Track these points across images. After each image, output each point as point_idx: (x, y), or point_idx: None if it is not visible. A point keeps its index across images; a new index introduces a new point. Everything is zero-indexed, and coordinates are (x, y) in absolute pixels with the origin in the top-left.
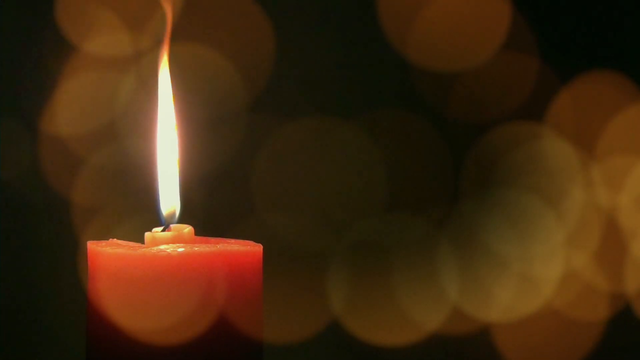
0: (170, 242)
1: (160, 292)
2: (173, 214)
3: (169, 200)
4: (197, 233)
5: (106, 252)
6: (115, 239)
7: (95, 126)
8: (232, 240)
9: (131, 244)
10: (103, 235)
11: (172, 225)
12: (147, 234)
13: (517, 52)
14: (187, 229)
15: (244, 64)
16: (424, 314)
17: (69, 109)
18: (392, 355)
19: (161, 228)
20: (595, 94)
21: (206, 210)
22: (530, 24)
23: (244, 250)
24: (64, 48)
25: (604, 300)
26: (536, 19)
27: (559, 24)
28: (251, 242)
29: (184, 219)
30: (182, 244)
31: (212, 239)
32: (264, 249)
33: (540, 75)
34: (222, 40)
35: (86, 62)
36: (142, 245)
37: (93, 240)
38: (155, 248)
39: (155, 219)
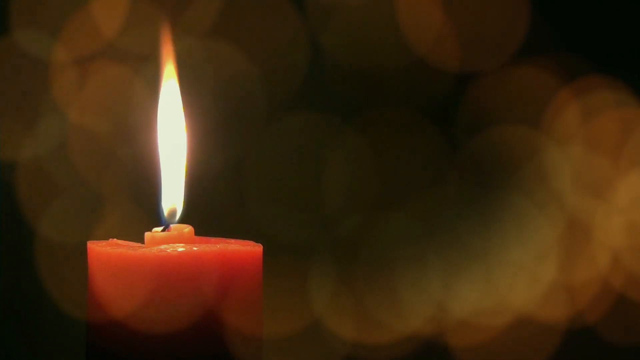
0: (170, 242)
1: (160, 292)
2: (174, 214)
3: (170, 199)
4: (197, 233)
5: (106, 252)
6: (115, 239)
7: (107, 124)
8: (232, 240)
9: (131, 244)
10: (103, 235)
11: (172, 225)
12: (147, 234)
13: (515, 57)
14: (187, 229)
15: (246, 64)
16: (411, 314)
17: (85, 106)
18: (375, 354)
19: (161, 228)
20: (598, 100)
21: (206, 210)
22: (537, 29)
23: (244, 250)
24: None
25: (593, 305)
26: (545, 24)
27: (566, 30)
28: (251, 242)
29: (184, 218)
30: (182, 244)
31: (212, 239)
32: (263, 248)
33: (544, 81)
34: (226, 38)
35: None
36: (142, 245)
37: (93, 240)
38: (155, 248)
39: (155, 218)
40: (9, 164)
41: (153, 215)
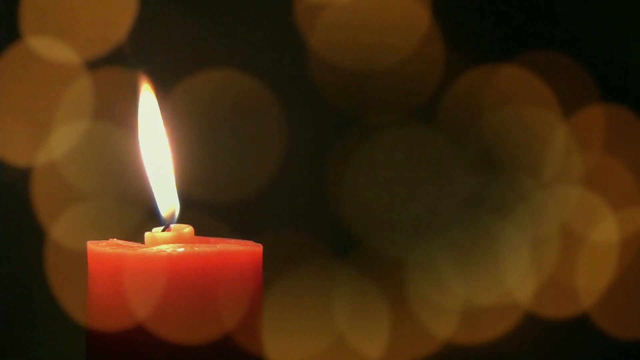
0: (170, 242)
1: (160, 292)
2: (173, 214)
3: (169, 200)
4: (197, 233)
5: (106, 252)
6: (115, 239)
7: (98, 125)
8: (232, 240)
9: (131, 244)
10: (103, 236)
11: (172, 225)
12: (147, 234)
13: (505, 56)
14: (187, 229)
15: (246, 64)
16: (412, 314)
17: (98, 110)
18: (377, 354)
19: (161, 228)
20: (587, 97)
21: (206, 210)
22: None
23: (244, 250)
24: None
25: (594, 304)
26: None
27: (560, 29)
28: (251, 242)
29: (184, 219)
30: (182, 244)
31: (212, 239)
32: (263, 248)
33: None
34: (223, 38)
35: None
36: (142, 245)
37: (93, 240)
38: (155, 248)
39: (155, 218)
40: (21, 168)
41: (153, 215)
